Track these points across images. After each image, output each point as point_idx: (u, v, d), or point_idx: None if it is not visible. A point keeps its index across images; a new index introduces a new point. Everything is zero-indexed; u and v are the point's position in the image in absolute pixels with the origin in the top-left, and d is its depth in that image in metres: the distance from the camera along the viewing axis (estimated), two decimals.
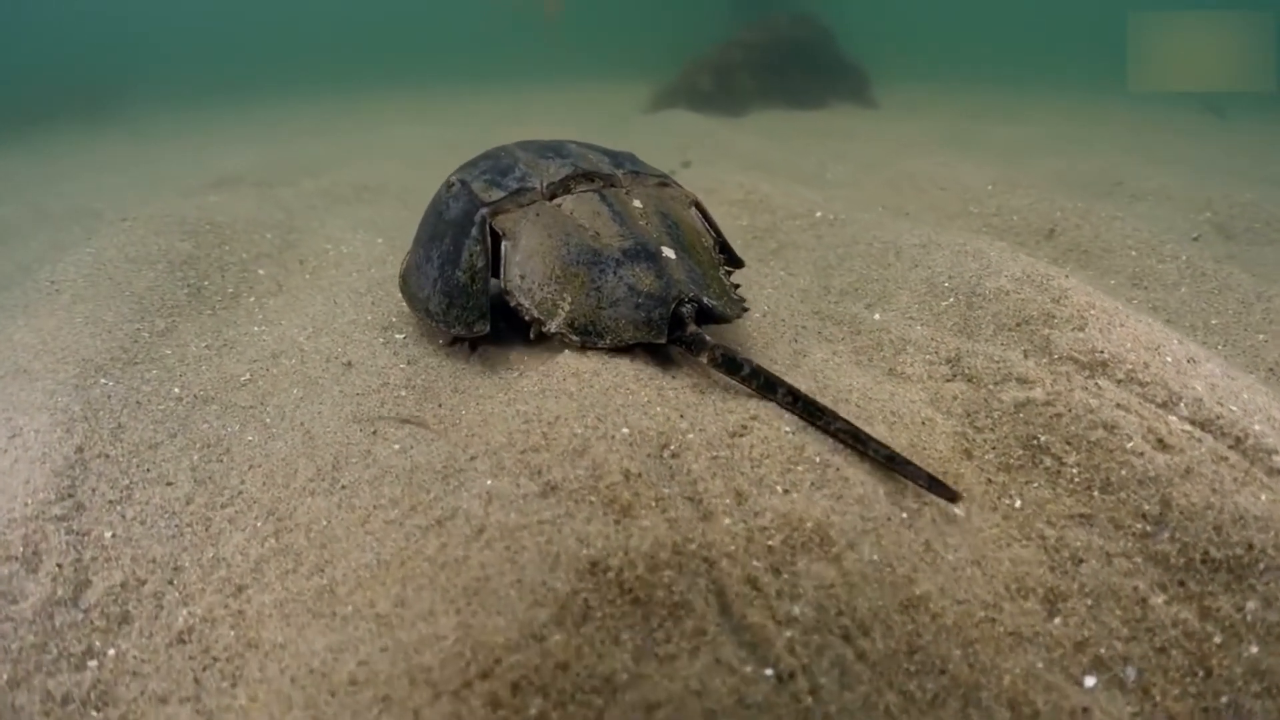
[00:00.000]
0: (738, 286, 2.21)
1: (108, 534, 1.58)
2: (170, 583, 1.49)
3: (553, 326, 1.92)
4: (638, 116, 8.45)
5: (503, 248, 2.02)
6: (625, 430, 1.54)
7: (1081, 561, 1.57)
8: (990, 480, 1.72)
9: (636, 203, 2.16)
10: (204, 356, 2.36)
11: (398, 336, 2.36)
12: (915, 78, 12.64)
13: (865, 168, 5.46)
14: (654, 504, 1.35)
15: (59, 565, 1.47)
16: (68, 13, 19.90)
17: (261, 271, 3.05)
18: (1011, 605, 1.49)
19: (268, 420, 2.00)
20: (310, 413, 1.96)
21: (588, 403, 1.68)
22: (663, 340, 1.89)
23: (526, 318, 1.97)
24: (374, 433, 1.81)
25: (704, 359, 1.83)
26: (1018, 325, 2.12)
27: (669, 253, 2.03)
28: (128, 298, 2.60)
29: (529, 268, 1.97)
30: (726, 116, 8.40)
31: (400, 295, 2.36)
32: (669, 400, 1.77)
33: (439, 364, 2.15)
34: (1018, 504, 1.67)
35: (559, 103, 10.49)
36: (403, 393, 1.99)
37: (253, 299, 2.83)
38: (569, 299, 1.93)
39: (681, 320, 1.91)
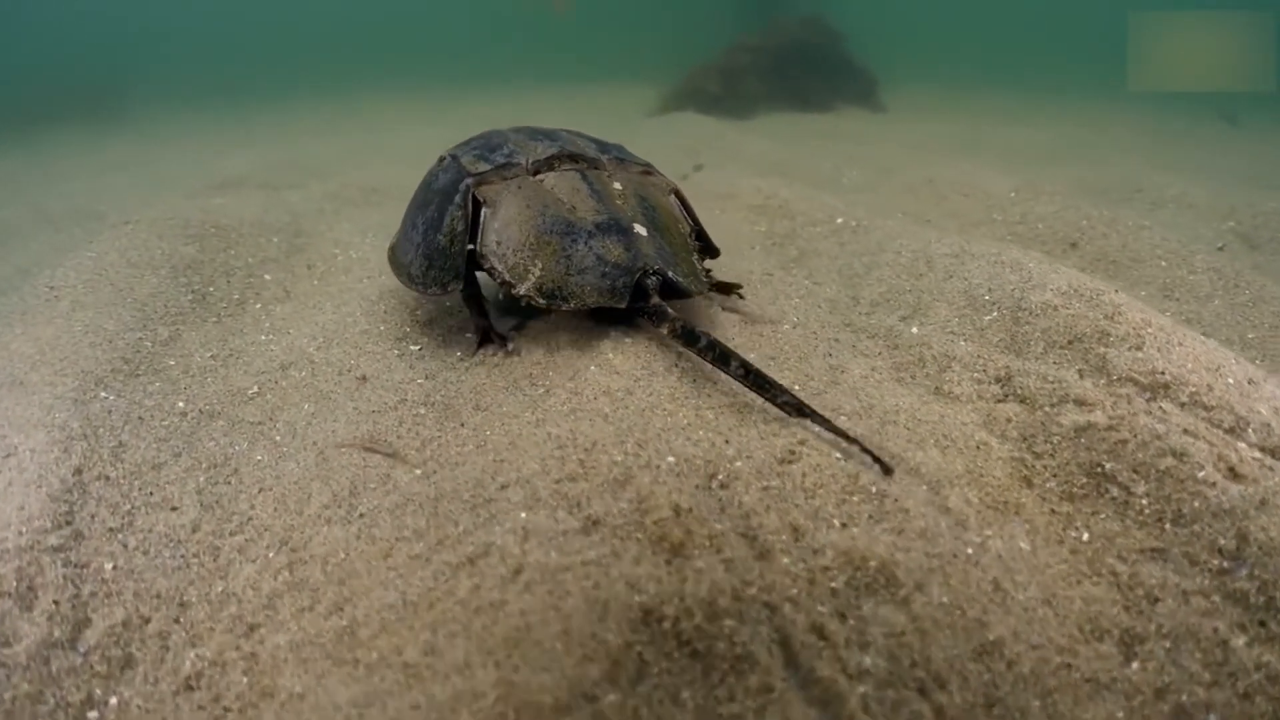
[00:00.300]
0: (709, 272, 2.28)
1: (108, 566, 1.46)
2: (176, 621, 1.37)
3: (522, 289, 1.97)
4: (646, 119, 8.35)
5: (482, 214, 2.08)
6: (670, 459, 1.42)
7: (1157, 600, 1.47)
8: (1054, 511, 1.61)
9: (617, 185, 2.23)
10: (209, 368, 2.25)
11: (413, 348, 2.24)
12: (919, 80, 12.53)
13: (881, 172, 5.35)
14: (708, 543, 1.24)
15: (56, 602, 1.35)
16: (68, 12, 19.73)
17: (268, 277, 2.93)
18: (1087, 649, 1.38)
19: (278, 438, 1.88)
20: (323, 431, 1.85)
21: (625, 426, 1.57)
22: (623, 306, 1.95)
23: (498, 280, 2.01)
24: (393, 454, 1.69)
25: (664, 330, 1.91)
26: (1070, 343, 2.01)
27: (640, 230, 2.09)
28: (129, 304, 2.48)
29: (505, 234, 2.03)
30: (734, 119, 8.29)
31: (391, 270, 2.40)
32: (709, 423, 1.66)
33: (458, 378, 2.04)
34: (1085, 537, 1.57)
35: (566, 104, 10.37)
36: (421, 410, 1.88)
37: (259, 306, 2.71)
38: (540, 265, 1.98)
39: (645, 291, 1.97)
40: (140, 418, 1.94)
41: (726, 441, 1.54)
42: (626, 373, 1.88)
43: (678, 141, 6.57)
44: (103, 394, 2.01)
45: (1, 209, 4.59)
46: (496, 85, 12.94)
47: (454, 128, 8.05)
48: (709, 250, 2.43)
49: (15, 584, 1.35)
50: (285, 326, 2.51)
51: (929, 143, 7.19)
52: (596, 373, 1.89)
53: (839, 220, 3.67)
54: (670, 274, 2.02)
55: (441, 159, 2.36)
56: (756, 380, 1.72)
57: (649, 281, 1.97)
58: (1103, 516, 1.60)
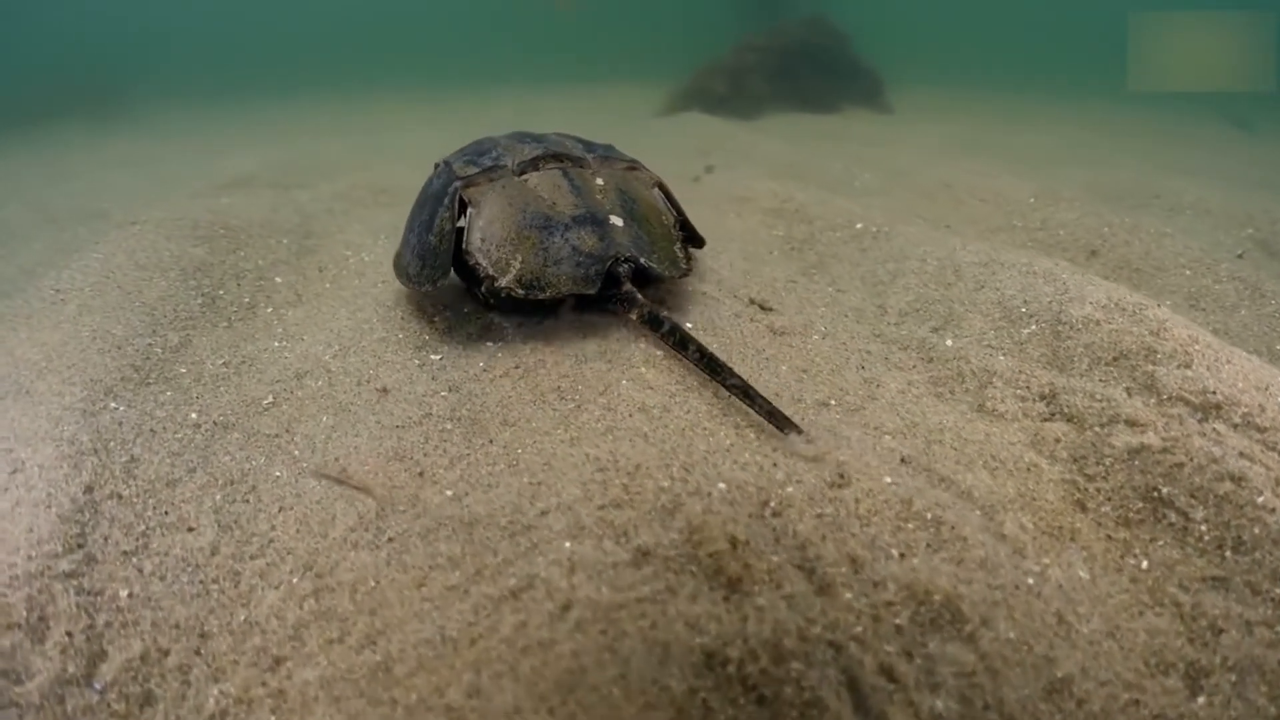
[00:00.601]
0: (688, 259, 2.37)
1: (124, 593, 1.38)
2: (197, 653, 1.30)
3: (503, 282, 2.06)
4: (653, 119, 8.26)
5: (468, 214, 2.18)
6: (721, 485, 1.35)
7: (1221, 632, 1.41)
8: (1110, 537, 1.55)
9: (599, 180, 2.33)
10: (222, 376, 2.17)
11: (434, 357, 2.17)
12: (921, 81, 12.48)
13: (893, 175, 5.28)
14: (767, 577, 1.17)
15: (69, 634, 1.27)
16: (69, 10, 19.53)
17: (279, 280, 2.85)
18: (1153, 683, 1.32)
19: (296, 453, 1.80)
20: (345, 446, 1.77)
21: (667, 448, 1.50)
22: (593, 292, 2.05)
23: (482, 275, 2.10)
24: (420, 474, 1.62)
25: (633, 315, 2.03)
26: (1115, 360, 1.95)
27: (616, 220, 2.20)
28: (138, 309, 2.40)
29: (489, 232, 2.13)
30: (742, 120, 8.21)
31: (395, 275, 2.49)
32: (752, 444, 1.59)
33: (483, 390, 1.96)
34: (1144, 565, 1.50)
35: (569, 104, 10.28)
36: (448, 425, 1.80)
37: (270, 310, 2.63)
38: (520, 259, 2.08)
39: (617, 278, 2.07)
40: (152, 430, 1.86)
41: (775, 465, 1.47)
42: (661, 388, 1.81)
43: (687, 142, 6.50)
44: (112, 404, 1.93)
45: (2, 207, 4.49)
46: (499, 86, 12.84)
47: (459, 128, 7.97)
48: (693, 239, 2.58)
49: (25, 614, 1.28)
50: (299, 332, 2.43)
51: (937, 145, 7.13)
52: (629, 387, 1.82)
53: (858, 225, 3.60)
54: (642, 261, 2.13)
55: (436, 166, 2.48)
56: (709, 364, 1.81)
57: (620, 269, 2.08)
58: (1161, 543, 1.54)
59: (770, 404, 1.68)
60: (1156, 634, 1.39)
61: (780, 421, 1.65)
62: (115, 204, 4.39)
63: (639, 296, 2.04)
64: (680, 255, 2.31)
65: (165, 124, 9.56)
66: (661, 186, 2.50)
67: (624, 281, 2.07)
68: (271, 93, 12.51)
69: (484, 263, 2.09)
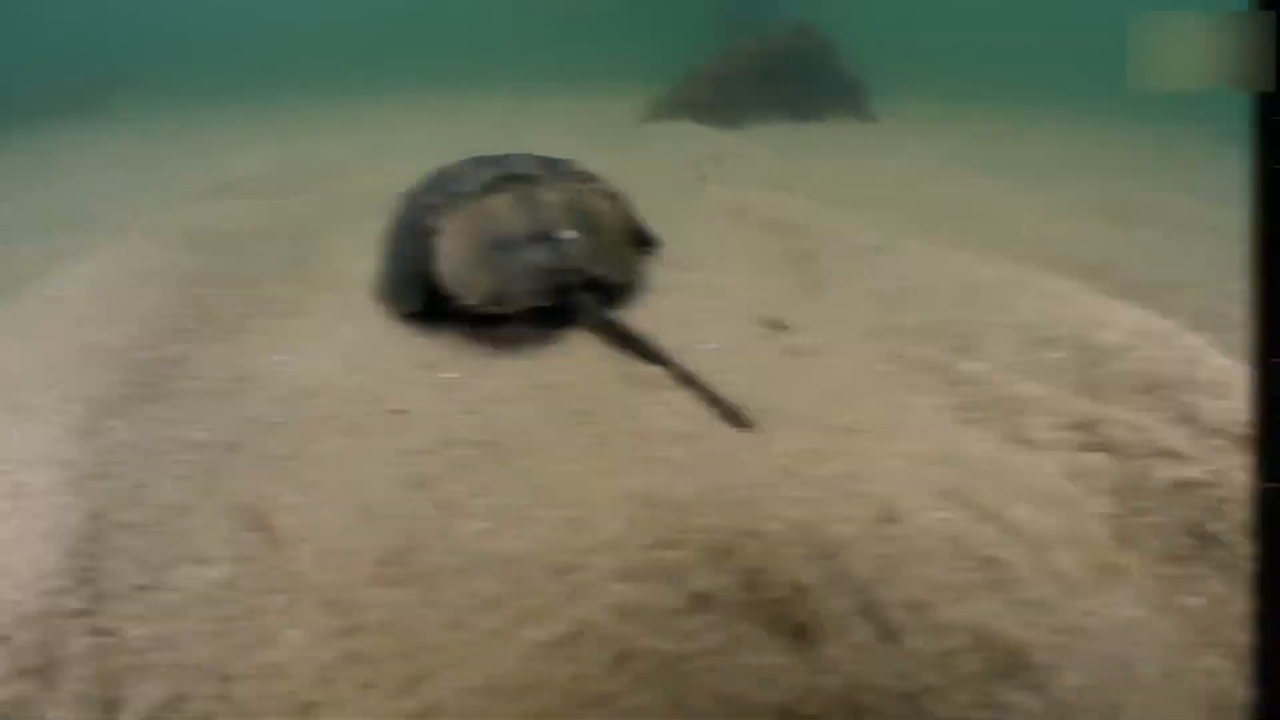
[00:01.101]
0: (639, 261, 2.59)
1: (137, 633, 1.30)
2: (221, 699, 1.22)
3: (470, 301, 2.22)
4: (640, 126, 8.19)
5: (433, 241, 2.34)
6: (775, 525, 1.30)
7: None
8: (1160, 574, 1.52)
9: (552, 197, 2.48)
10: (224, 392, 2.08)
11: (446, 376, 2.09)
12: (903, 88, 12.48)
13: (889, 188, 5.27)
14: (832, 625, 1.11)
15: (82, 680, 1.19)
16: (63, 8, 19.05)
17: (278, 289, 2.76)
18: None
19: (308, 477, 1.72)
20: (362, 472, 1.69)
21: (711, 482, 1.44)
22: (549, 304, 2.23)
23: (450, 295, 2.25)
24: (447, 504, 1.54)
25: (588, 322, 2.21)
26: (1149, 389, 1.92)
27: (568, 234, 2.36)
28: (135, 320, 2.30)
29: (454, 256, 2.30)
30: (729, 127, 8.15)
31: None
32: (795, 476, 1.53)
33: (500, 413, 1.89)
34: (1195, 603, 1.47)
35: (554, 109, 10.15)
36: (471, 451, 1.73)
37: (270, 322, 2.54)
38: (483, 278, 2.24)
39: (569, 288, 2.25)
40: (158, 452, 1.77)
41: (824, 501, 1.41)
42: (690, 414, 1.76)
43: (676, 150, 6.44)
44: (114, 423, 1.84)
45: None
46: (482, 90, 12.69)
47: (447, 132, 7.86)
48: (649, 241, 2.85)
49: (35, 659, 1.19)
50: (302, 346, 2.34)
51: (927, 156, 7.12)
52: (656, 412, 1.76)
53: (859, 240, 3.56)
54: (592, 270, 2.30)
55: (403, 196, 2.68)
56: (656, 357, 2.02)
57: (572, 279, 2.25)
58: (1212, 581, 1.51)
59: (714, 392, 1.81)
60: (1214, 675, 1.36)
61: (724, 410, 1.76)
62: (107, 208, 4.24)
63: (589, 303, 2.22)
64: (633, 259, 2.53)
65: (154, 122, 9.28)
66: (615, 196, 2.69)
67: (576, 291, 2.24)
68: (257, 93, 12.24)
69: (452, 284, 2.25)
